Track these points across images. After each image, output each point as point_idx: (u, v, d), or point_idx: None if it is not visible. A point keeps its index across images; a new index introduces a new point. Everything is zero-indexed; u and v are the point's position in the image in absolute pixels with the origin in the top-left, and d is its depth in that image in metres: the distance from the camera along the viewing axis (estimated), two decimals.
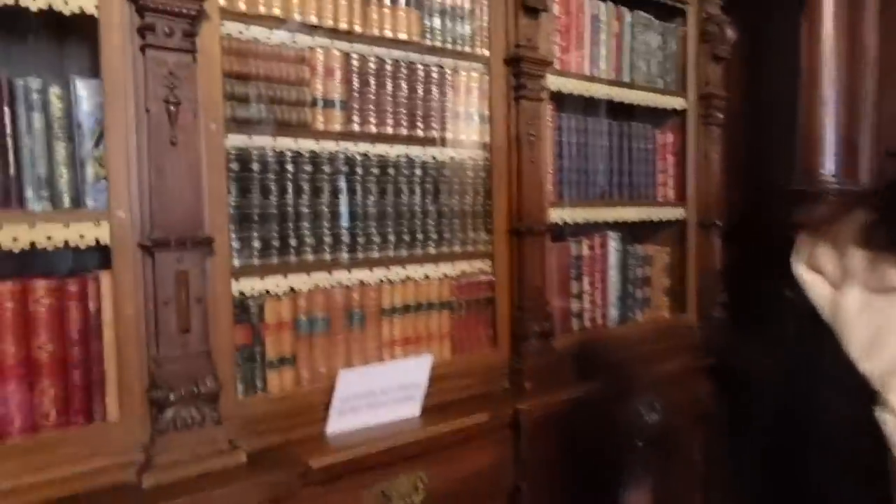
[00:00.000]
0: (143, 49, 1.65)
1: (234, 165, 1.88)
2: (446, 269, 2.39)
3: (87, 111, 1.65)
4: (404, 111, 2.26)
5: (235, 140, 1.89)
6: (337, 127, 2.10)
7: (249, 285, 1.93)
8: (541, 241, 2.55)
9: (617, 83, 2.90)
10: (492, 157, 2.49)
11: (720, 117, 3.23)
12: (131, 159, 1.67)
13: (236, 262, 1.90)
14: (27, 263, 1.67)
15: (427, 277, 2.33)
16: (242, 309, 1.92)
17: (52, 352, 1.59)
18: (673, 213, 3.16)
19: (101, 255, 1.70)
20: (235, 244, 1.89)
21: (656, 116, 3.15)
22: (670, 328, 3.13)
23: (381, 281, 2.22)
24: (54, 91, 1.61)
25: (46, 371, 1.59)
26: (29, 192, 1.59)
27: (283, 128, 1.99)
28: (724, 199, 3.32)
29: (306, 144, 2.03)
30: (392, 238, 2.24)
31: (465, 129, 2.44)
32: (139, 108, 1.67)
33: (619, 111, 3.02)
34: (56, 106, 1.62)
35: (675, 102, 3.13)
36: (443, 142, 2.37)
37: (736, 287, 3.29)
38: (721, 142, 3.26)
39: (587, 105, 2.93)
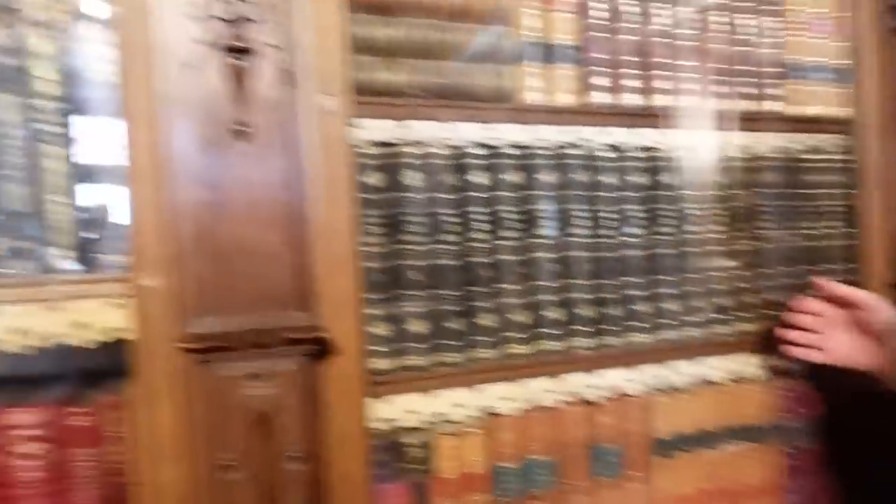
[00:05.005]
0: None
1: (371, 177, 0.99)
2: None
3: None
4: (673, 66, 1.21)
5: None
6: (565, 98, 1.12)
7: (404, 407, 1.00)
8: None
9: None
10: (859, 143, 1.33)
11: None
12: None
13: (378, 365, 0.99)
14: None
15: (738, 381, 1.24)
16: (392, 453, 0.99)
17: None
18: None
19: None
20: (376, 333, 0.99)
21: None
22: None
23: (656, 388, 1.17)
24: None
25: None
26: None
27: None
28: None
29: (503, 133, 1.08)
30: (672, 308, 1.19)
31: (800, 96, 1.31)
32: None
33: None
34: None
35: None
36: (752, 120, 1.27)
37: None
38: None
39: None
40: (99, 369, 0.94)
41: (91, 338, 0.88)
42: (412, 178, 1.01)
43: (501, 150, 1.07)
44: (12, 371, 0.97)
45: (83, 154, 0.91)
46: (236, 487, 0.82)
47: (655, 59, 1.19)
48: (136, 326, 0.85)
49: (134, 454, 0.87)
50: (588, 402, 1.12)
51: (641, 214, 1.17)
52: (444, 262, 1.03)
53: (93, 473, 0.89)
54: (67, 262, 0.89)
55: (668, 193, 1.19)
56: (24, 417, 0.87)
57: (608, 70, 1.15)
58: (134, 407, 0.87)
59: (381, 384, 0.97)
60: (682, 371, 1.19)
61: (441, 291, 1.02)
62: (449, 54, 1.02)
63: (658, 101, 1.19)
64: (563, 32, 1.11)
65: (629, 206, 1.16)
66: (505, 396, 1.06)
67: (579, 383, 1.12)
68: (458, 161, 1.05)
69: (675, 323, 1.19)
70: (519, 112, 1.08)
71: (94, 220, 0.91)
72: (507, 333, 1.07)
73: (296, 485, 0.85)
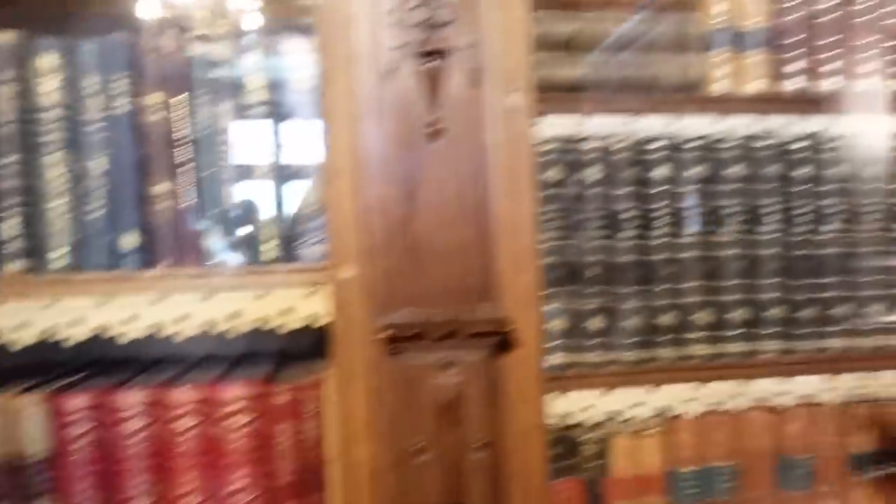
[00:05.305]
0: None
1: (551, 172, 0.99)
2: None
3: None
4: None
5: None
6: (755, 86, 1.06)
7: (579, 403, 1.00)
8: None
9: None
10: None
11: None
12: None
13: (555, 361, 1.00)
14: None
15: None
16: (567, 449, 1.00)
17: None
18: None
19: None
20: (554, 329, 0.99)
21: None
22: None
23: (853, 398, 1.08)
24: None
25: None
26: None
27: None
28: None
29: (689, 125, 1.04)
30: (875, 311, 1.09)
31: None
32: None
33: None
34: None
35: None
36: None
37: None
38: None
39: None
40: (299, 352, 1.03)
41: (293, 323, 0.97)
42: (592, 173, 1.00)
43: (686, 143, 1.03)
44: (226, 351, 1.09)
45: (286, 155, 0.99)
46: (425, 470, 0.86)
47: (857, 42, 1.08)
48: (333, 314, 0.92)
49: (329, 432, 0.94)
50: (775, 410, 1.06)
51: (840, 209, 1.07)
52: (623, 258, 1.01)
53: (292, 447, 0.97)
54: (274, 254, 0.97)
55: (872, 186, 1.08)
56: (235, 392, 0.96)
57: (802, 53, 1.06)
58: (330, 388, 0.94)
59: (557, 379, 0.98)
60: (886, 381, 1.08)
61: (619, 289, 1.00)
62: (632, 46, 1.00)
63: (860, 85, 1.08)
64: (754, 16, 1.04)
65: (826, 201, 1.07)
66: (684, 398, 1.03)
67: (766, 388, 1.05)
68: (640, 156, 1.02)
69: (877, 328, 1.08)
70: (706, 102, 1.03)
71: (296, 214, 0.99)
72: (688, 333, 1.03)
73: (479, 472, 0.88)
